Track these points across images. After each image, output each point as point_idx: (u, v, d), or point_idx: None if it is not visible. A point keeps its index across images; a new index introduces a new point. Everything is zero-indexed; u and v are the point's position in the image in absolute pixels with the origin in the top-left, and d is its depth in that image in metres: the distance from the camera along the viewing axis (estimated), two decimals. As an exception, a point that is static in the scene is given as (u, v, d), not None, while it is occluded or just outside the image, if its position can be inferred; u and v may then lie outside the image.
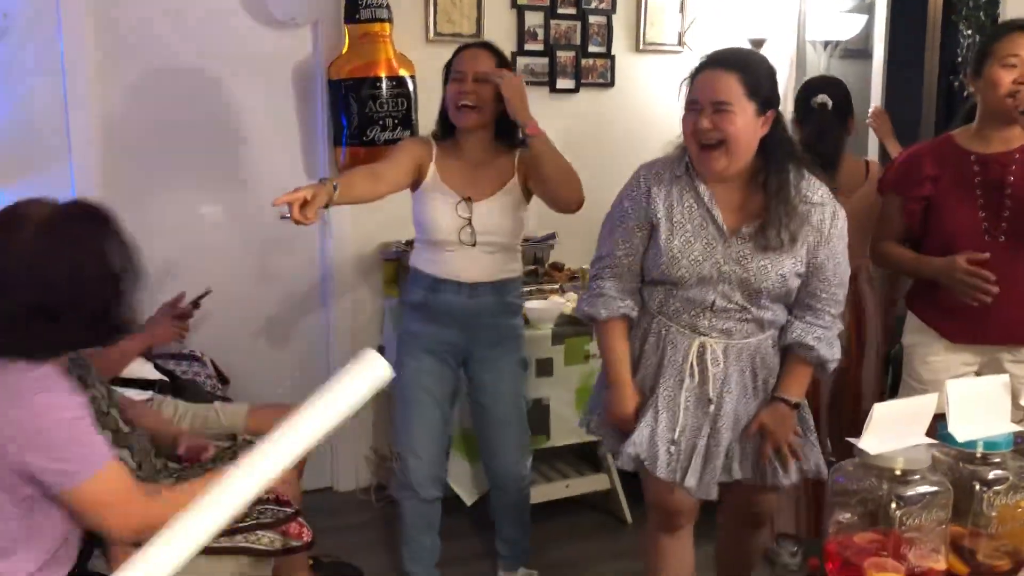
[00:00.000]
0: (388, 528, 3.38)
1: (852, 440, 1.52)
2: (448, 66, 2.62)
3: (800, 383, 2.18)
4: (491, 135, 2.60)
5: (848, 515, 1.54)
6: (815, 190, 2.08)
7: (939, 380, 2.48)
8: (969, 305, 2.35)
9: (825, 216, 2.07)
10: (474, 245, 2.57)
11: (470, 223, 2.56)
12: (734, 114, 1.98)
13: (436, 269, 2.61)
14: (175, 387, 2.84)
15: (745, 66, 2.03)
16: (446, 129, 2.63)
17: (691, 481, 2.14)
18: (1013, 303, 2.37)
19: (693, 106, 2.03)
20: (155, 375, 2.84)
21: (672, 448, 2.12)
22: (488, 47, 2.63)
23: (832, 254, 2.09)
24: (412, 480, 2.72)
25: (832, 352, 2.15)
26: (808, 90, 2.95)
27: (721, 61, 2.04)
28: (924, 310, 2.55)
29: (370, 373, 0.86)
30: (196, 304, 2.85)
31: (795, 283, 2.10)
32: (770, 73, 2.06)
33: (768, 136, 2.06)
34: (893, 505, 1.48)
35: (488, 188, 2.59)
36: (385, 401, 3.63)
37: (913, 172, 2.52)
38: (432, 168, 2.58)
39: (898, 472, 1.49)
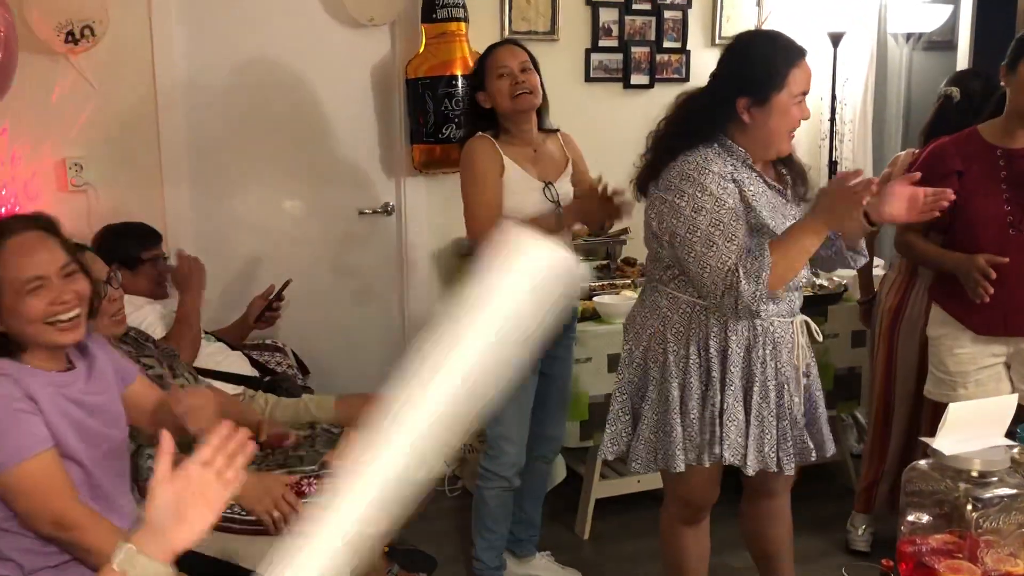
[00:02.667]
0: (460, 517, 3.44)
1: (926, 440, 1.51)
2: (479, 67, 2.67)
3: None
4: (536, 121, 2.68)
5: (922, 516, 1.53)
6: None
7: (967, 371, 2.50)
8: (994, 297, 2.38)
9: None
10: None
11: (559, 205, 2.63)
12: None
13: None
14: (268, 383, 2.94)
15: None
16: (483, 127, 2.64)
17: (806, 454, 2.20)
18: None
19: (800, 99, 2.05)
20: (250, 371, 2.94)
21: (803, 426, 2.19)
22: (517, 43, 2.72)
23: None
24: (508, 468, 2.75)
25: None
26: (953, 77, 3.01)
27: (804, 51, 2.09)
28: (948, 302, 2.56)
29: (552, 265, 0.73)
30: (280, 294, 2.96)
31: None
32: None
33: None
34: (969, 507, 1.46)
35: (556, 169, 2.70)
36: (458, 394, 3.69)
37: (938, 165, 2.50)
38: (507, 160, 2.62)
39: (975, 474, 1.47)
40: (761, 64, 2.02)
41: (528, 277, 0.74)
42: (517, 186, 2.61)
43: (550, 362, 2.79)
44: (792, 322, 2.16)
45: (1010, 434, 1.56)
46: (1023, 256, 2.36)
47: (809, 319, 2.22)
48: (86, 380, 1.83)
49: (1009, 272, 2.37)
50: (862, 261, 2.25)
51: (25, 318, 1.71)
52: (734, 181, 2.04)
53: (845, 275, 3.29)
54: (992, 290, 2.36)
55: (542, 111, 2.70)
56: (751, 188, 2.08)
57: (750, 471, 2.12)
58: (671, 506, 2.35)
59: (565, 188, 2.69)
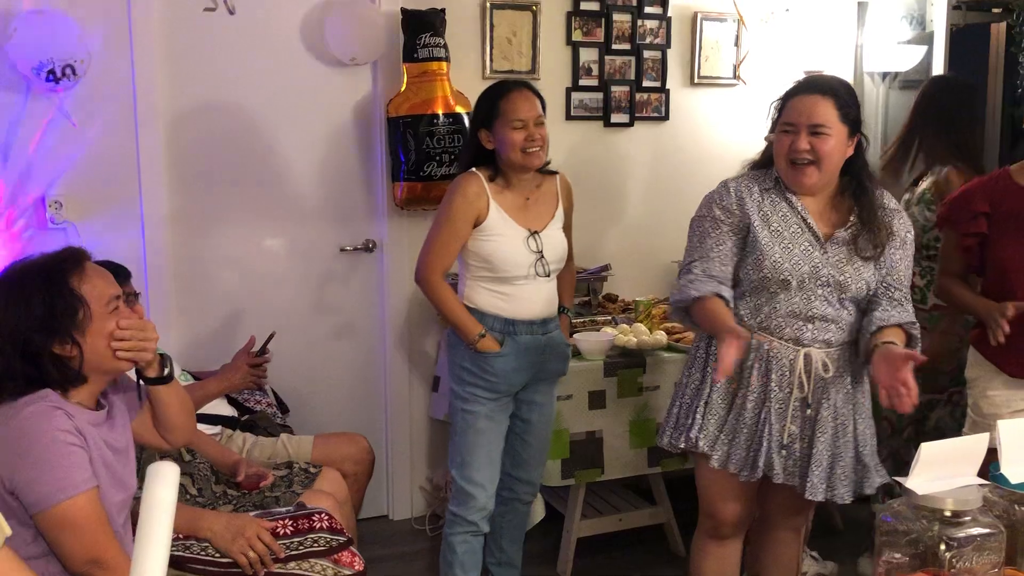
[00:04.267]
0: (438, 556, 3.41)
1: (900, 479, 1.51)
2: (489, 105, 2.63)
3: (894, 333, 2.18)
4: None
5: (897, 555, 1.52)
6: (889, 199, 2.27)
7: (1000, 414, 2.50)
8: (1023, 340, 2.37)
9: (904, 222, 2.26)
10: (548, 276, 2.65)
11: (542, 255, 2.62)
12: (829, 136, 2.14)
13: (509, 310, 2.63)
14: (246, 422, 2.92)
15: (838, 92, 2.19)
16: (491, 165, 2.64)
17: (784, 479, 2.23)
18: None
19: (789, 128, 2.17)
20: (228, 411, 2.92)
21: (784, 452, 2.23)
22: (532, 89, 2.67)
23: (905, 255, 2.25)
24: (476, 513, 2.71)
25: (910, 320, 2.22)
26: None
27: (817, 87, 2.19)
28: (983, 345, 2.55)
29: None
30: (264, 348, 2.93)
31: (875, 285, 2.24)
32: (857, 100, 2.24)
33: (853, 156, 2.22)
34: (943, 547, 1.46)
35: (545, 217, 2.68)
36: (439, 430, 3.67)
37: (964, 208, 2.53)
38: (492, 205, 2.60)
39: (948, 513, 1.47)
40: (779, 98, 2.27)
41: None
42: (500, 231, 2.60)
43: (530, 408, 2.78)
44: (798, 351, 2.20)
45: (983, 473, 1.56)
46: None
47: (819, 354, 2.20)
48: (111, 420, 1.84)
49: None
50: None
51: (105, 337, 1.74)
52: (742, 202, 2.22)
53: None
54: (1007, 329, 2.36)
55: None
56: (766, 214, 2.22)
57: (715, 463, 2.25)
58: (700, 519, 2.46)
59: (553, 237, 2.67)
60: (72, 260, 1.78)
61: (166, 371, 1.90)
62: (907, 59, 4.06)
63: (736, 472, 2.26)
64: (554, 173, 2.75)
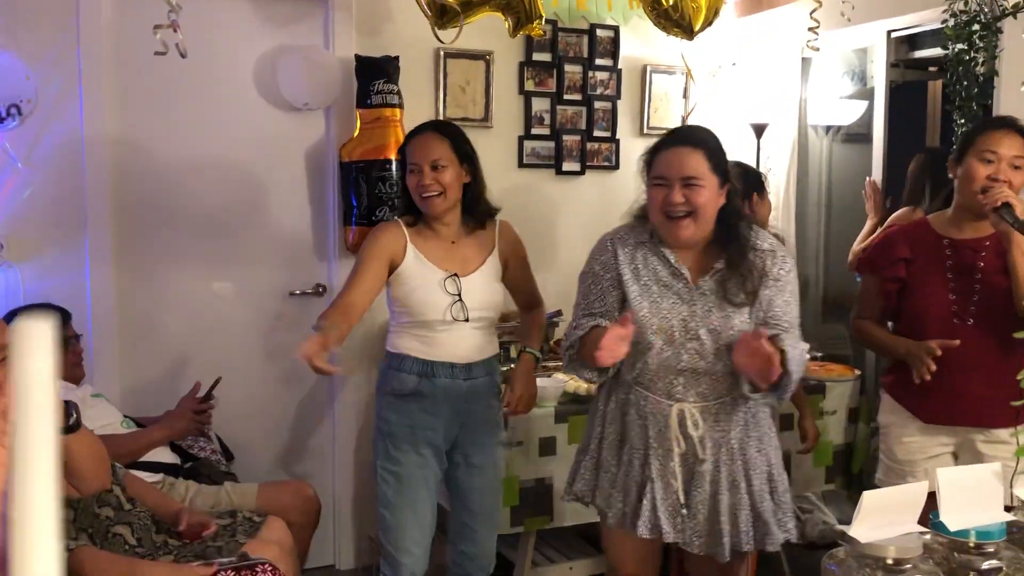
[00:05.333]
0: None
1: (842, 527, 1.53)
2: (403, 149, 2.61)
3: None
4: (459, 213, 2.59)
5: (842, 604, 1.53)
6: (764, 239, 2.23)
7: (915, 460, 2.55)
8: (939, 385, 2.41)
9: (777, 260, 2.20)
10: (467, 320, 2.53)
11: (460, 298, 2.51)
12: (703, 188, 2.12)
13: (427, 352, 2.53)
14: (190, 469, 2.85)
15: (707, 143, 2.18)
16: (414, 212, 2.58)
17: (696, 541, 2.18)
18: (981, 385, 2.43)
19: (661, 181, 2.14)
20: (170, 458, 2.86)
21: (684, 511, 2.18)
22: (438, 129, 2.60)
23: (782, 292, 2.18)
24: None
25: (797, 368, 2.08)
26: None
27: (686, 139, 2.18)
28: (897, 390, 2.61)
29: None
30: (210, 394, 2.88)
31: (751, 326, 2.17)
32: (723, 150, 2.22)
33: (725, 204, 2.20)
34: (886, 594, 1.47)
35: (471, 263, 2.58)
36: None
37: (888, 253, 2.60)
38: (409, 248, 2.53)
39: (890, 561, 1.49)
40: (647, 151, 2.23)
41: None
42: (413, 275, 2.52)
43: (469, 471, 2.63)
44: (671, 406, 2.16)
45: (922, 521, 1.59)
46: (968, 346, 2.39)
47: (692, 408, 2.15)
48: None
49: (954, 361, 2.40)
50: (746, 388, 2.15)
51: None
52: (615, 256, 2.21)
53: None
54: (935, 368, 2.38)
55: (472, 202, 2.59)
56: (637, 268, 2.20)
57: (611, 522, 2.25)
58: (607, 571, 2.47)
59: (478, 283, 2.56)
60: None
61: (71, 420, 1.81)
62: (849, 113, 4.19)
63: (630, 528, 2.21)
64: (490, 218, 2.64)
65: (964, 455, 2.54)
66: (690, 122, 4.07)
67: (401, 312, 2.58)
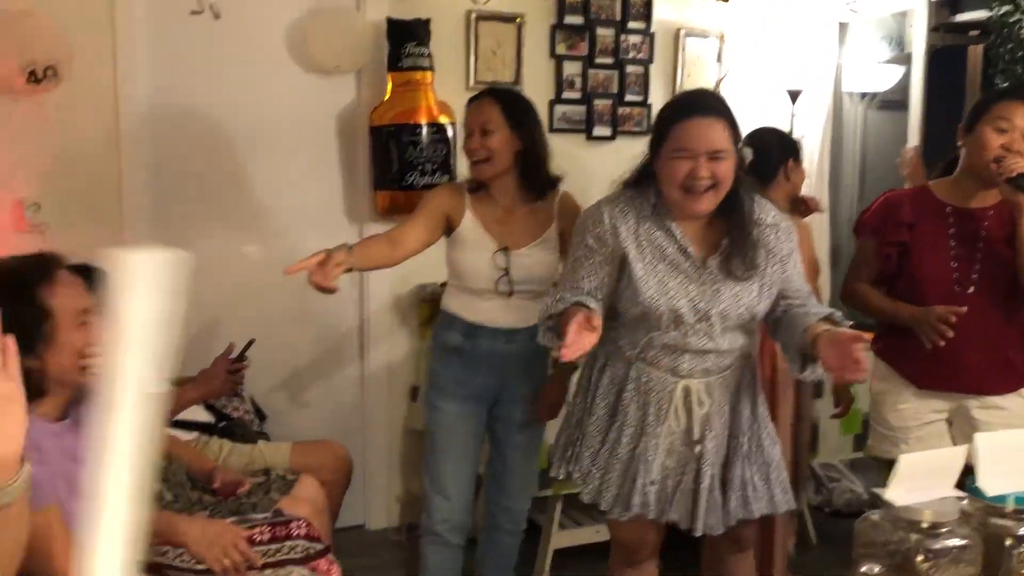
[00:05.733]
0: (418, 567, 3.39)
1: (878, 491, 1.53)
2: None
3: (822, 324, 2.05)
4: (517, 181, 2.56)
5: (875, 567, 1.53)
6: (768, 212, 2.13)
7: (908, 427, 2.54)
8: (936, 352, 2.38)
9: (781, 235, 2.12)
10: (510, 295, 2.54)
11: (507, 273, 2.52)
12: (727, 160, 2.01)
13: (472, 315, 2.59)
14: (224, 428, 2.90)
15: (727, 112, 2.06)
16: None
17: (674, 516, 2.17)
18: (979, 351, 2.43)
19: (684, 154, 1.99)
20: (205, 417, 2.90)
21: (650, 487, 2.13)
22: (493, 94, 2.61)
23: (793, 267, 2.14)
24: (439, 524, 2.68)
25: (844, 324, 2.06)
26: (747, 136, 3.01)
27: (709, 108, 2.04)
28: (891, 355, 2.58)
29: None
30: (243, 355, 2.91)
31: (764, 307, 2.12)
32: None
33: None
34: (920, 558, 1.48)
35: (526, 236, 2.56)
36: (417, 441, 3.66)
37: (891, 217, 2.55)
38: (468, 215, 2.55)
39: (925, 525, 1.49)
40: (658, 117, 2.13)
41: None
42: (468, 241, 2.55)
43: (508, 428, 2.68)
44: (676, 383, 2.10)
45: (960, 486, 1.58)
46: (967, 314, 2.38)
47: (698, 384, 2.10)
48: (77, 429, 1.76)
49: (954, 328, 2.37)
50: (797, 368, 2.12)
51: (72, 352, 1.66)
52: (616, 231, 2.07)
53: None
54: (951, 335, 2.34)
55: (529, 170, 2.55)
56: (642, 245, 2.07)
57: (585, 498, 2.20)
58: (612, 547, 2.41)
59: (528, 258, 2.54)
60: (41, 268, 1.69)
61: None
62: (886, 79, 4.12)
63: (607, 509, 2.18)
64: (551, 188, 2.60)
65: (958, 421, 2.53)
66: (723, 86, 4.03)
67: (452, 275, 2.66)
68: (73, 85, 3.05)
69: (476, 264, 2.55)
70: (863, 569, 1.53)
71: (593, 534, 3.40)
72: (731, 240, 2.07)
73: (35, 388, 1.67)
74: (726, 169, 2.01)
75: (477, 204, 2.57)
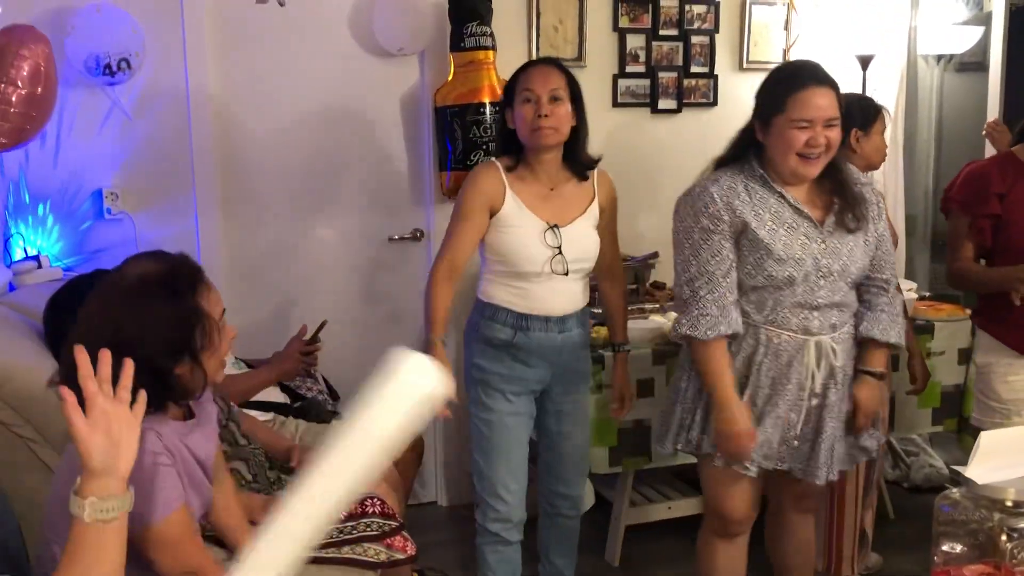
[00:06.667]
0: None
1: (959, 468, 1.49)
2: (512, 82, 2.49)
3: (880, 357, 2.31)
4: (560, 158, 2.49)
5: (956, 546, 1.50)
6: (858, 174, 2.30)
7: (1021, 399, 2.43)
8: None
9: (873, 191, 2.29)
10: (566, 274, 2.46)
11: (560, 251, 2.44)
12: (838, 126, 2.15)
13: (522, 304, 2.47)
14: (299, 408, 2.96)
15: (834, 80, 2.18)
16: (513, 152, 2.49)
17: (796, 466, 2.28)
18: None
19: (804, 124, 2.11)
20: (280, 397, 2.97)
21: (770, 439, 2.24)
22: (555, 63, 2.52)
23: (885, 227, 2.29)
24: (497, 525, 2.59)
25: (897, 328, 2.28)
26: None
27: (821, 78, 2.16)
28: (993, 326, 2.53)
29: (416, 384, 0.91)
30: (316, 337, 2.97)
31: (869, 260, 2.27)
32: None
33: None
34: (1004, 537, 1.44)
35: (571, 211, 2.48)
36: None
37: (980, 190, 2.47)
38: (508, 194, 2.43)
39: (1009, 503, 1.45)
40: (768, 89, 2.21)
41: (396, 400, 0.93)
42: (512, 223, 2.43)
43: (559, 418, 2.63)
44: (807, 340, 2.20)
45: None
46: None
47: (828, 341, 2.22)
48: (198, 429, 1.79)
49: None
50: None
51: (221, 355, 1.67)
52: (730, 206, 2.17)
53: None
54: None
55: (576, 146, 2.50)
56: (759, 213, 2.18)
57: (718, 463, 2.27)
58: (706, 518, 2.47)
59: (578, 233, 2.48)
60: (195, 273, 1.66)
61: None
62: (963, 41, 3.97)
63: (744, 470, 2.26)
64: (592, 167, 2.55)
65: None
66: (792, 53, 3.93)
67: (495, 261, 2.50)
68: (146, 76, 3.13)
69: (525, 244, 2.42)
70: (944, 548, 1.50)
71: (665, 510, 3.40)
72: (840, 197, 2.20)
73: (192, 393, 1.67)
74: (837, 135, 2.15)
75: (517, 183, 2.45)
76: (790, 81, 2.15)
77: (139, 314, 1.55)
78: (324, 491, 0.91)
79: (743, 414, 2.19)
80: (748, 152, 2.22)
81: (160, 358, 1.56)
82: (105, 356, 1.29)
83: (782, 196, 2.18)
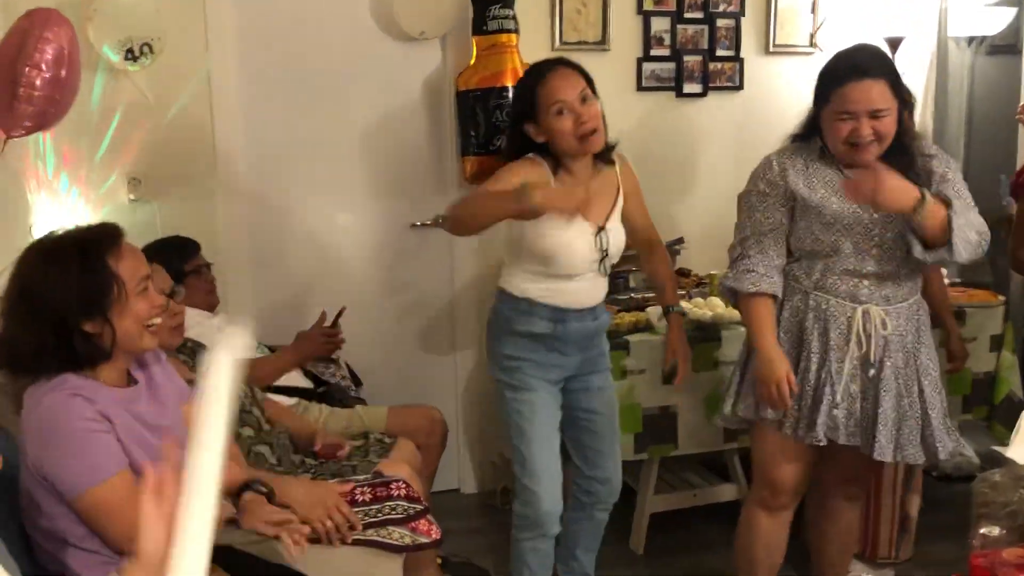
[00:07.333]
0: (512, 532, 3.41)
1: (999, 448, 1.45)
2: (529, 95, 2.39)
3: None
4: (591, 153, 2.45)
5: (995, 528, 1.46)
6: (928, 146, 2.29)
7: None
8: None
9: (941, 161, 2.24)
10: (607, 274, 2.52)
11: (607, 254, 2.45)
12: (890, 117, 2.14)
13: (562, 300, 2.45)
14: (322, 393, 2.96)
15: (888, 69, 2.19)
16: (547, 158, 2.42)
17: (856, 440, 2.27)
18: None
19: (847, 116, 2.13)
20: (304, 382, 2.97)
21: (836, 411, 2.25)
22: (568, 63, 2.43)
23: (955, 181, 2.20)
24: (544, 517, 2.54)
25: (962, 228, 2.08)
26: None
27: (870, 70, 2.14)
28: None
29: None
30: (336, 323, 2.97)
31: None
32: (896, 68, 2.24)
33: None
34: (1046, 519, 1.40)
35: (607, 208, 2.48)
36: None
37: None
38: None
39: (1052, 484, 1.41)
40: (820, 78, 2.24)
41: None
42: (564, 227, 2.34)
43: (589, 396, 2.60)
44: (855, 308, 2.22)
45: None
46: None
47: (877, 311, 2.22)
48: (147, 397, 1.83)
49: None
50: (917, 249, 2.16)
51: (135, 318, 1.73)
52: (784, 174, 2.25)
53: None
54: None
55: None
56: (812, 182, 2.24)
57: (787, 431, 2.30)
58: (753, 489, 2.50)
59: (615, 232, 2.48)
60: (108, 236, 1.75)
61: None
62: (995, 22, 3.89)
63: (801, 436, 2.29)
64: (611, 155, 2.51)
65: None
66: (819, 37, 3.87)
67: (534, 261, 2.44)
68: (168, 61, 3.12)
69: (576, 250, 2.40)
70: (982, 531, 1.47)
71: (691, 498, 3.36)
72: (898, 169, 2.14)
73: (103, 353, 1.73)
74: (888, 124, 2.13)
75: (562, 185, 2.39)
76: (833, 74, 2.19)
77: (47, 270, 1.69)
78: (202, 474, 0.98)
79: (782, 362, 2.25)
80: (814, 130, 2.26)
81: (68, 313, 1.68)
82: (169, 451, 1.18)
83: (839, 169, 2.23)
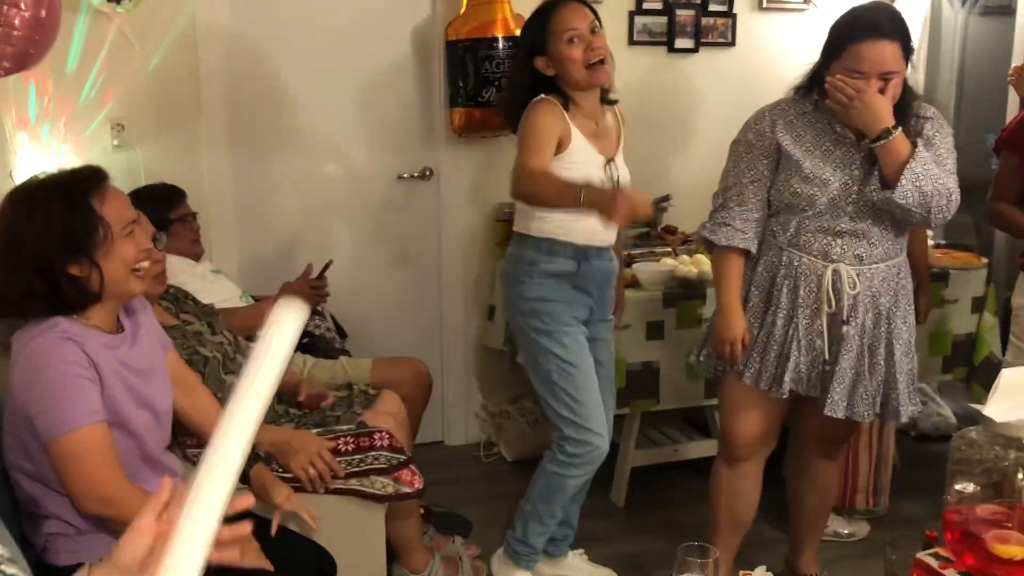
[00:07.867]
0: (495, 483, 3.45)
1: (976, 406, 1.47)
2: (539, 28, 2.42)
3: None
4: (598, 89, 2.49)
5: (970, 485, 1.49)
6: (927, 109, 2.24)
7: None
8: None
9: (933, 125, 2.20)
10: None
11: (617, 184, 2.46)
12: (898, 79, 2.12)
13: (584, 238, 2.45)
14: (307, 344, 2.95)
15: (902, 30, 2.13)
16: (557, 94, 2.42)
17: (813, 392, 2.30)
18: None
19: (855, 75, 2.10)
20: None
21: (799, 364, 2.28)
22: (581, 1, 2.45)
23: (941, 144, 2.17)
24: (602, 455, 2.54)
25: (924, 163, 2.08)
26: None
27: (884, 30, 2.10)
28: None
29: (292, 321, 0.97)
30: (321, 275, 2.96)
31: None
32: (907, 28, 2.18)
33: None
34: (1020, 476, 1.43)
35: (613, 143, 2.54)
36: (494, 359, 3.69)
37: None
38: (573, 130, 2.41)
39: (1026, 442, 1.43)
40: (833, 31, 2.19)
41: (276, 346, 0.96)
42: (582, 158, 2.40)
43: (596, 346, 2.60)
44: (827, 266, 2.21)
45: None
46: None
47: (848, 270, 2.20)
48: (133, 343, 1.83)
49: None
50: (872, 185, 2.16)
51: (122, 261, 1.72)
52: (774, 125, 2.24)
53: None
54: None
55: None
56: (799, 135, 2.22)
57: (747, 381, 2.33)
58: (719, 443, 2.53)
59: (622, 166, 2.53)
60: (92, 178, 1.73)
61: None
62: (990, -18, 3.86)
63: (766, 388, 2.31)
64: (614, 102, 2.57)
65: None
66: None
67: None
68: (153, 6, 3.06)
69: (592, 180, 2.35)
70: (957, 487, 1.49)
71: (671, 453, 3.40)
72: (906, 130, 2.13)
73: (91, 296, 1.72)
74: (895, 86, 2.11)
75: (575, 119, 2.43)
76: (849, 28, 2.14)
77: (32, 213, 1.68)
78: (232, 446, 0.95)
79: (740, 322, 2.29)
80: (815, 81, 2.23)
81: (53, 255, 1.67)
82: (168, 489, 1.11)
83: (829, 122, 2.21)
